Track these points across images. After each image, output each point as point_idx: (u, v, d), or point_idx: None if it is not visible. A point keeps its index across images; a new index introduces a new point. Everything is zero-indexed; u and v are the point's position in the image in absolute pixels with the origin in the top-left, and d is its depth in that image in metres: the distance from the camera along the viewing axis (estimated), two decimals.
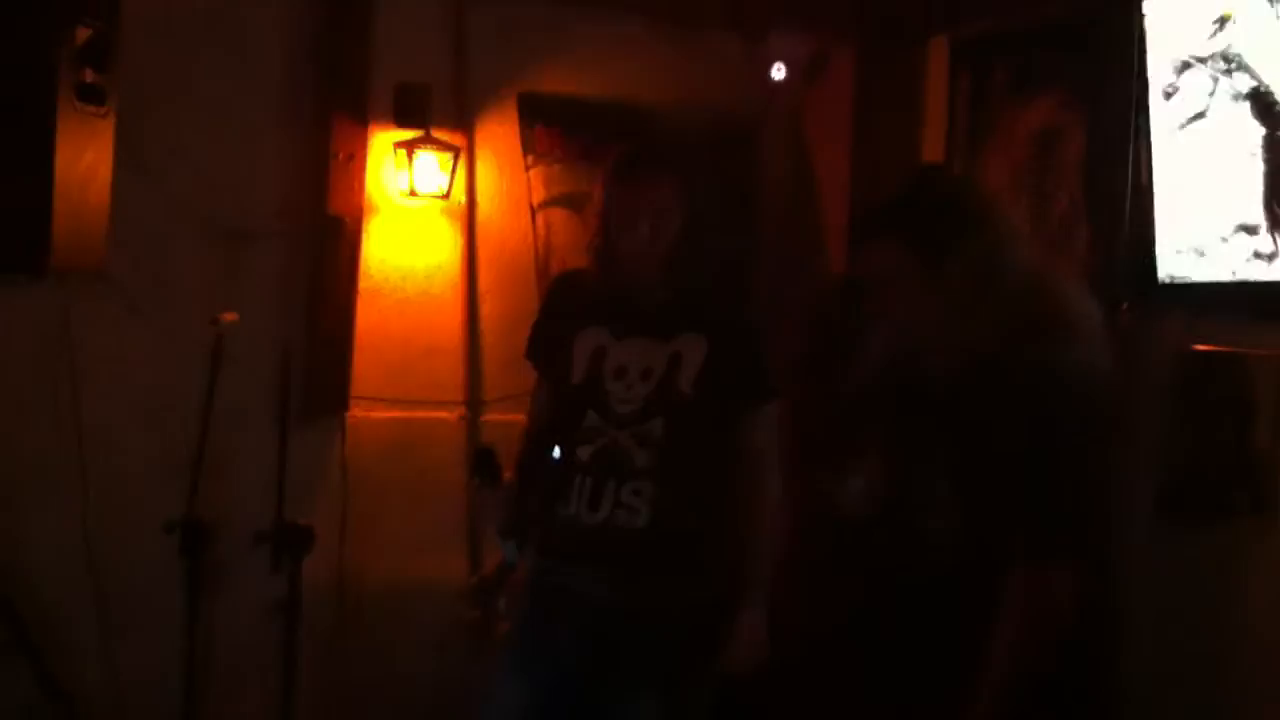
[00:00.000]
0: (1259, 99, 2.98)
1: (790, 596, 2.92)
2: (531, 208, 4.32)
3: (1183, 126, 3.19)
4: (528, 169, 4.31)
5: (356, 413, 4.09)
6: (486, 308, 4.27)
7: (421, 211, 4.18)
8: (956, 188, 2.76)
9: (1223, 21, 3.04)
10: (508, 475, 2.85)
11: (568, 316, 2.93)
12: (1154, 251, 3.30)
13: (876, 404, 2.69)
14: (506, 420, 4.07)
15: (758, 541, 2.80)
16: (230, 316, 3.47)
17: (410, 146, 4.09)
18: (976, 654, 2.32)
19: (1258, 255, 3.01)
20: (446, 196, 4.15)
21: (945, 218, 2.39)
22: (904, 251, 2.38)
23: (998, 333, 2.34)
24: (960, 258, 2.34)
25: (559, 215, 4.34)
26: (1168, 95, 3.21)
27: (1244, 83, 3.01)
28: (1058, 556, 2.31)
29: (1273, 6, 2.93)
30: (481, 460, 2.81)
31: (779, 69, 4.30)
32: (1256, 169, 3.00)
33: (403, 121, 4.11)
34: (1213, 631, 3.21)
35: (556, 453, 2.81)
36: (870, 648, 2.64)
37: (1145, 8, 3.23)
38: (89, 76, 3.26)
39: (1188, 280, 3.23)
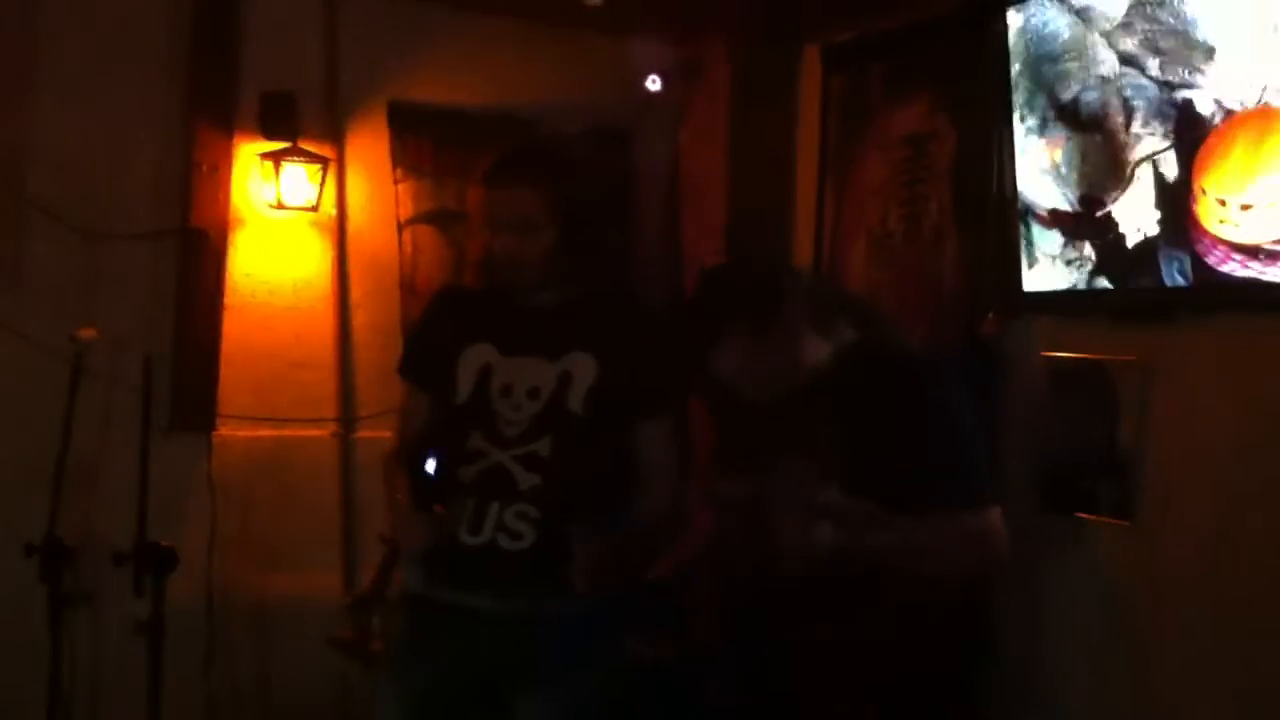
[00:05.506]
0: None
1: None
2: (399, 223, 4.26)
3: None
4: (396, 183, 4.25)
5: (224, 431, 3.99)
6: (359, 321, 4.21)
7: (289, 224, 4.10)
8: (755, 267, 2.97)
9: None
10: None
11: (452, 332, 2.83)
12: (1019, 260, 3.34)
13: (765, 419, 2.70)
14: (379, 437, 4.03)
15: (627, 535, 2.69)
16: (89, 333, 3.36)
17: (277, 158, 4.00)
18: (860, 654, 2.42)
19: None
20: (315, 209, 4.08)
21: (769, 291, 2.59)
22: (755, 331, 2.54)
23: (847, 351, 2.57)
24: (788, 320, 2.55)
25: (425, 232, 4.28)
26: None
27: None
28: (986, 498, 2.45)
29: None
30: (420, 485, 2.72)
31: (653, 80, 4.31)
32: None
33: (269, 132, 4.02)
34: (1083, 633, 3.26)
35: (431, 468, 2.72)
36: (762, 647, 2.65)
37: (1009, 18, 3.27)
38: None
39: (1049, 289, 3.29)
